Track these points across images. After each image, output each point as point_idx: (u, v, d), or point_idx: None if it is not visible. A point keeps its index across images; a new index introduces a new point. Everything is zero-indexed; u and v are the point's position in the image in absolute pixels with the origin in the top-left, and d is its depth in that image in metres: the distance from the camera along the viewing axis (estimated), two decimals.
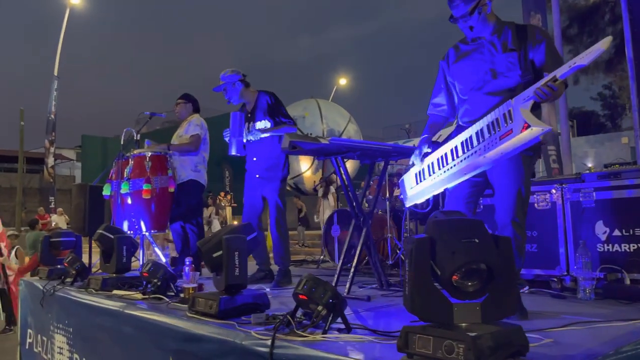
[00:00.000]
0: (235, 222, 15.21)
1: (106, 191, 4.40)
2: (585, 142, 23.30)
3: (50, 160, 18.41)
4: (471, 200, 2.62)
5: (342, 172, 3.16)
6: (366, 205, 4.85)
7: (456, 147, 2.49)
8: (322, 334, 1.88)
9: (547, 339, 1.79)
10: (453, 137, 2.59)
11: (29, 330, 4.10)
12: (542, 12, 8.33)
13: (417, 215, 4.84)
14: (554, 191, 3.14)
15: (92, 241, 5.15)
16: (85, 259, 4.65)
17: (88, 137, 22.29)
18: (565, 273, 3.05)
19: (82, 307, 3.20)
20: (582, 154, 21.11)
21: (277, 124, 3.84)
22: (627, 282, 2.78)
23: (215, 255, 2.37)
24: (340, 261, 3.10)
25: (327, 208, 10.15)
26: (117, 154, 4.31)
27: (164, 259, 4.36)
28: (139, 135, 4.45)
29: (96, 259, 5.05)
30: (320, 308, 1.91)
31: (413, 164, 2.76)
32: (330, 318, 1.92)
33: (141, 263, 4.28)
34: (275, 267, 3.96)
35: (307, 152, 3.19)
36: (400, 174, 5.16)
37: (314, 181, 13.37)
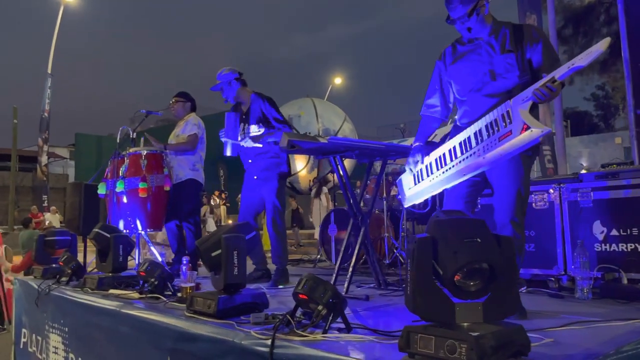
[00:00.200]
0: (230, 221, 15.18)
1: (101, 190, 4.38)
2: (579, 142, 23.43)
3: (44, 159, 18.30)
4: (470, 199, 2.63)
5: (341, 171, 3.16)
6: (362, 204, 4.85)
7: (454, 148, 2.49)
8: (323, 333, 1.87)
9: (548, 339, 1.79)
10: (451, 138, 2.59)
11: (24, 330, 4.07)
12: (537, 13, 8.36)
13: (414, 215, 4.85)
14: (551, 191, 3.15)
15: (88, 240, 5.13)
16: (80, 258, 4.61)
17: (82, 136, 22.15)
18: (563, 272, 3.06)
19: (78, 306, 3.18)
20: (576, 154, 21.23)
21: (269, 128, 3.83)
22: (625, 281, 2.79)
23: (214, 254, 2.36)
24: (339, 260, 3.09)
25: (320, 208, 10.09)
26: (113, 152, 4.29)
27: (160, 258, 4.34)
28: (135, 134, 4.42)
29: (91, 258, 5.03)
30: (320, 308, 1.90)
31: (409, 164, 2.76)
32: (330, 318, 1.91)
33: (137, 262, 4.26)
34: (272, 267, 3.95)
35: (306, 152, 3.18)
36: (395, 174, 5.16)
37: (310, 180, 13.36)
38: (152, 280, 2.92)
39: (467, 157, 2.39)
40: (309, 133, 3.19)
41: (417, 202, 2.81)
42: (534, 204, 3.21)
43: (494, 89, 2.49)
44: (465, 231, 1.53)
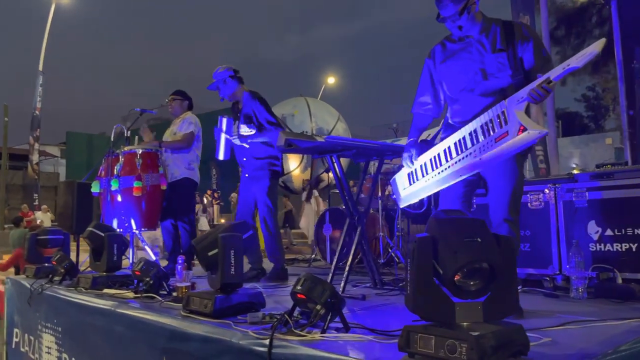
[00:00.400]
0: (222, 220, 15.13)
1: (95, 188, 4.35)
2: (570, 143, 23.57)
3: (35, 157, 18.13)
4: (466, 199, 2.64)
5: (337, 170, 3.15)
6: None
7: (449, 148, 2.48)
8: (321, 333, 1.87)
9: (546, 338, 1.80)
10: (444, 136, 2.59)
11: (16, 330, 4.03)
12: (530, 14, 8.40)
13: (409, 215, 4.86)
14: (547, 191, 3.16)
15: (80, 239, 5.09)
16: (72, 257, 4.58)
17: (73, 134, 21.96)
18: (558, 272, 3.08)
19: (71, 306, 3.15)
20: (567, 154, 21.36)
21: (260, 129, 3.82)
22: (619, 281, 2.81)
23: (210, 253, 2.35)
24: (335, 260, 3.09)
25: (310, 212, 9.96)
26: (107, 150, 4.26)
27: (153, 257, 4.32)
28: (129, 132, 4.39)
29: (84, 257, 4.99)
30: (319, 307, 1.90)
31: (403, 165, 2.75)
32: (329, 317, 1.91)
33: (131, 261, 4.23)
34: (267, 266, 3.94)
35: (303, 151, 3.17)
36: (386, 173, 5.15)
37: (303, 180, 13.33)
38: (147, 279, 2.90)
39: (463, 158, 2.38)
40: (306, 132, 3.18)
41: (413, 202, 2.80)
42: (529, 204, 3.22)
43: (486, 89, 2.48)
44: (465, 231, 1.53)
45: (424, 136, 2.91)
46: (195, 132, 4.44)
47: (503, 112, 2.26)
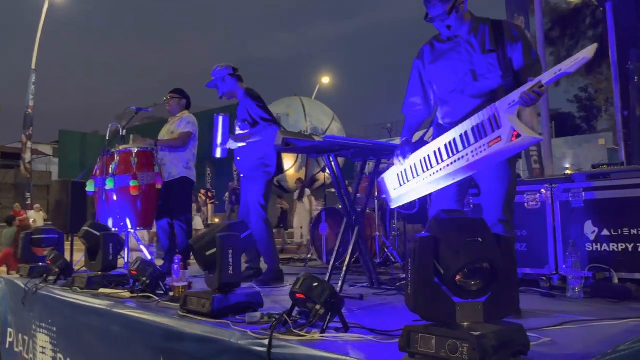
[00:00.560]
0: (217, 220, 15.09)
1: (90, 187, 4.32)
2: (564, 143, 23.67)
3: (27, 156, 18.00)
4: (460, 199, 2.65)
5: (335, 170, 3.15)
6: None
7: (439, 150, 2.45)
8: (321, 333, 1.86)
9: (545, 338, 1.80)
10: (435, 137, 2.59)
11: (9, 329, 4.00)
12: (525, 15, 8.45)
13: (404, 215, 4.86)
14: (543, 191, 3.17)
15: (74, 238, 5.06)
16: (66, 256, 4.55)
17: (66, 133, 21.81)
18: (554, 272, 3.09)
19: (66, 305, 3.13)
20: (560, 154, 21.44)
21: (254, 127, 3.78)
22: (615, 281, 2.82)
23: (208, 253, 2.34)
24: (332, 259, 3.09)
25: (302, 211, 9.93)
26: (102, 149, 4.23)
27: (149, 257, 4.30)
28: (124, 131, 4.37)
29: (78, 256, 4.97)
30: (318, 307, 1.89)
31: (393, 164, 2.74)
32: (328, 317, 1.90)
33: (126, 261, 4.21)
34: (264, 266, 3.92)
35: (301, 150, 3.17)
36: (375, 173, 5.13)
37: (296, 179, 13.32)
38: (144, 279, 2.88)
39: (455, 161, 2.36)
40: (304, 131, 3.17)
41: (404, 203, 2.78)
42: (526, 204, 3.23)
43: (477, 90, 2.47)
44: (466, 231, 1.54)
45: (419, 136, 2.90)
46: (192, 132, 4.42)
47: (495, 116, 2.24)
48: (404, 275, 3.78)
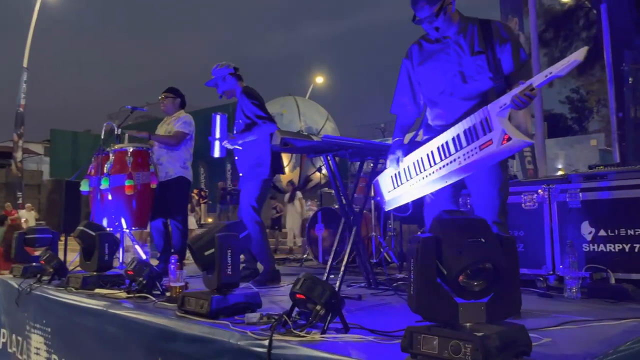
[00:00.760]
0: (210, 220, 15.02)
1: (84, 187, 4.29)
2: (555, 144, 23.80)
3: (19, 155, 17.86)
4: (455, 199, 2.67)
5: (333, 170, 3.14)
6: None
7: (432, 153, 2.46)
8: (321, 333, 1.85)
9: (546, 339, 1.80)
10: (426, 139, 2.59)
11: (3, 330, 3.96)
12: (519, 16, 8.49)
13: (398, 217, 4.86)
14: (540, 191, 3.18)
15: (68, 238, 5.02)
16: (60, 256, 4.51)
17: (57, 132, 21.62)
18: (551, 272, 3.10)
19: (61, 306, 3.10)
20: (552, 155, 21.54)
21: (249, 126, 3.75)
22: (612, 281, 2.83)
23: (207, 253, 2.32)
24: (330, 259, 3.08)
25: (294, 213, 9.77)
26: (97, 148, 4.20)
27: (144, 256, 4.27)
28: (119, 130, 4.34)
29: (72, 256, 4.92)
30: (319, 307, 1.88)
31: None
32: (329, 318, 1.89)
33: (121, 261, 4.18)
34: (261, 267, 3.90)
35: (299, 150, 3.16)
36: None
37: (287, 181, 13.26)
38: (141, 279, 2.86)
39: (448, 164, 2.37)
40: (302, 131, 3.16)
41: (398, 205, 2.78)
42: (523, 204, 3.23)
43: (466, 92, 2.47)
44: (469, 231, 1.53)
45: (409, 137, 2.89)
46: (189, 132, 4.39)
47: (486, 119, 2.24)
48: (400, 276, 3.82)
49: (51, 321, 3.21)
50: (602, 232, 2.95)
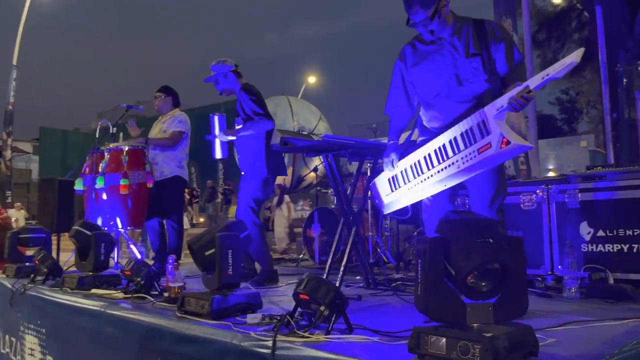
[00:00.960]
0: (202, 219, 14.94)
1: (79, 186, 4.24)
2: (546, 145, 23.93)
3: (8, 153, 17.66)
4: (453, 200, 2.67)
5: (333, 170, 3.12)
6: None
7: (429, 156, 2.44)
8: (325, 334, 1.84)
9: (550, 339, 1.80)
10: (422, 140, 2.58)
11: None
12: (512, 17, 8.52)
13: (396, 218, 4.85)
14: (539, 192, 3.19)
15: (62, 238, 4.96)
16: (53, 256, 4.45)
17: (46, 130, 21.40)
18: (550, 272, 3.10)
19: (57, 306, 3.06)
20: (543, 156, 21.66)
21: (246, 122, 3.72)
22: (611, 281, 2.85)
23: (207, 253, 2.30)
24: (330, 259, 3.06)
25: (281, 218, 9.51)
26: (92, 147, 4.15)
27: (139, 256, 4.23)
28: (114, 129, 4.29)
29: (65, 256, 4.86)
30: (322, 308, 1.87)
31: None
32: (333, 318, 1.88)
33: (116, 261, 4.14)
34: (258, 266, 3.88)
35: (299, 149, 3.14)
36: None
37: (276, 185, 13.12)
38: (138, 279, 2.83)
39: (446, 167, 2.35)
40: (302, 130, 3.14)
41: (396, 209, 2.76)
42: (521, 205, 3.24)
43: (462, 95, 2.45)
44: (477, 231, 1.53)
45: (405, 136, 2.88)
46: (184, 131, 4.36)
47: (483, 122, 2.22)
48: (397, 276, 3.81)
49: (46, 322, 3.17)
50: (600, 233, 2.96)
